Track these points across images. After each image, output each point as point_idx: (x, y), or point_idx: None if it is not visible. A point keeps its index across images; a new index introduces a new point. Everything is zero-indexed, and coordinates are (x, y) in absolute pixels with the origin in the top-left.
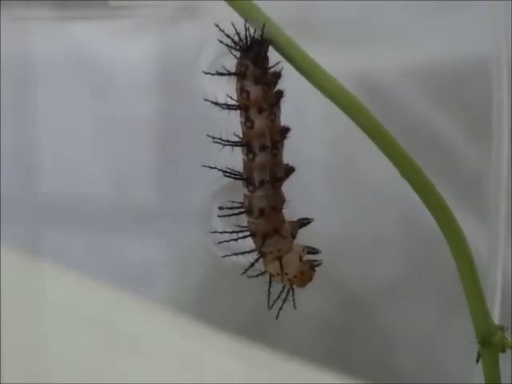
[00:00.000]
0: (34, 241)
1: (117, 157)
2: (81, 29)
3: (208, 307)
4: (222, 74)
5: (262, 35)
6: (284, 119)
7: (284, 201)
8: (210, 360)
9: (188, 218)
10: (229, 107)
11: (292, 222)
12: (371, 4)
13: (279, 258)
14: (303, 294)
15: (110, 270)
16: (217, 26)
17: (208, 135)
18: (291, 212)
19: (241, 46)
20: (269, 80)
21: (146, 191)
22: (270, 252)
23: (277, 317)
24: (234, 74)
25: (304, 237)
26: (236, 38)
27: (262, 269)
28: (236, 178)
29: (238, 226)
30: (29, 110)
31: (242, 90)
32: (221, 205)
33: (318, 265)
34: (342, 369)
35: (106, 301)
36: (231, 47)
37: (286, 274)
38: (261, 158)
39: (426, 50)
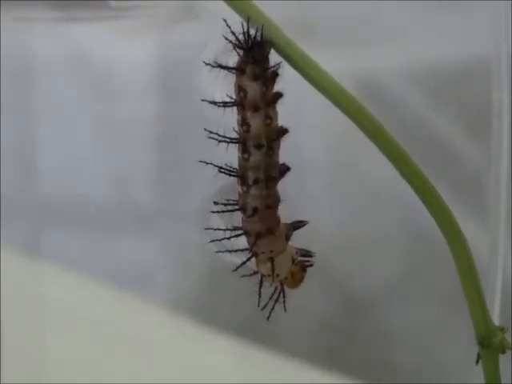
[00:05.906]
0: (34, 241)
1: (117, 157)
2: (81, 29)
3: (208, 307)
4: (221, 67)
5: (261, 36)
6: (284, 120)
7: (279, 200)
8: (210, 360)
9: (188, 218)
10: (225, 105)
11: (287, 224)
12: (371, 4)
13: (271, 259)
14: (303, 294)
15: (109, 271)
16: (224, 21)
17: (205, 129)
18: (291, 212)
19: (242, 46)
20: (267, 78)
21: (146, 191)
22: (263, 252)
23: (268, 316)
24: (233, 68)
25: (304, 237)
26: (241, 37)
27: (255, 269)
28: (230, 175)
29: (234, 225)
30: (29, 109)
31: (239, 88)
32: (218, 202)
33: (309, 265)
34: (342, 369)
35: (105, 301)
36: (234, 44)
37: (278, 275)
38: (256, 157)
39: (426, 50)
